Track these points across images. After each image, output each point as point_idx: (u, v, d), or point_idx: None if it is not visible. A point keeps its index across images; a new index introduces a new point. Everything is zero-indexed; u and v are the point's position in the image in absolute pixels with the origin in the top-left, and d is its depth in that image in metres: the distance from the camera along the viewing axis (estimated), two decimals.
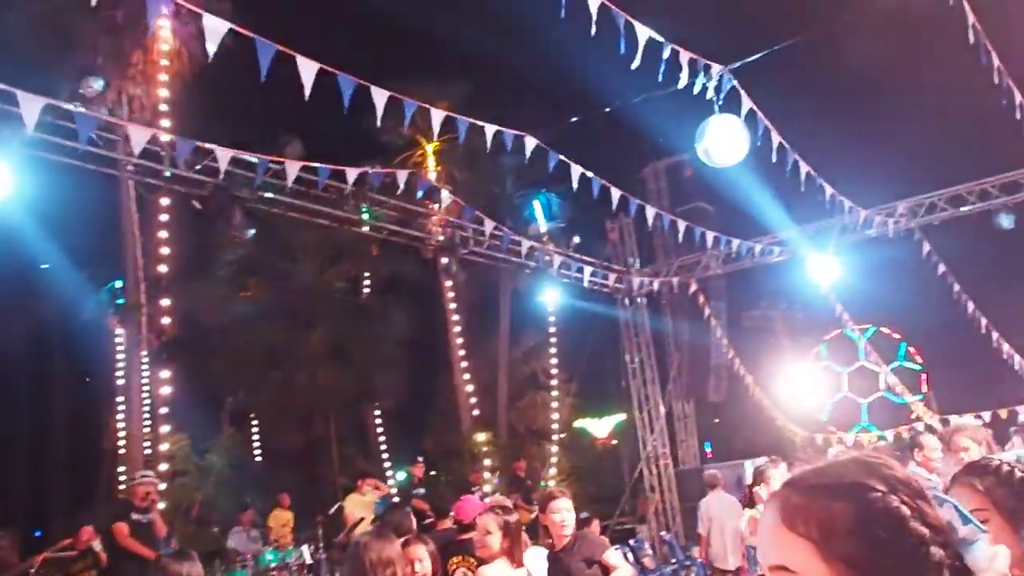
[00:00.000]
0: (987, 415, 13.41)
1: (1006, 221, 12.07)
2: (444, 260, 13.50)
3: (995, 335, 14.05)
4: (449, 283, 18.80)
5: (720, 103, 9.03)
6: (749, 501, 6.29)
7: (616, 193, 11.40)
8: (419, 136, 18.92)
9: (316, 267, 20.59)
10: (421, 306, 21.29)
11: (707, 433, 16.68)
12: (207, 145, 9.69)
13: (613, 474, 19.98)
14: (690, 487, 14.99)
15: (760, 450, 16.71)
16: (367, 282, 22.36)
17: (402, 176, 10.87)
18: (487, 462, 18.51)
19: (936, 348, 16.98)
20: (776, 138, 9.80)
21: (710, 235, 12.48)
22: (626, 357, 15.39)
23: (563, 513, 5.27)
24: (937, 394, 17.40)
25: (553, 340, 18.85)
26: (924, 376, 20.73)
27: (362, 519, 12.00)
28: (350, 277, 21.69)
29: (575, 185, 10.57)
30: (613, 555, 5.36)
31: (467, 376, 19.28)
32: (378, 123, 7.71)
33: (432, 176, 17.31)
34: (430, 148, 19.37)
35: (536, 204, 19.44)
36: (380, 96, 7.57)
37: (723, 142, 9.14)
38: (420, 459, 13.40)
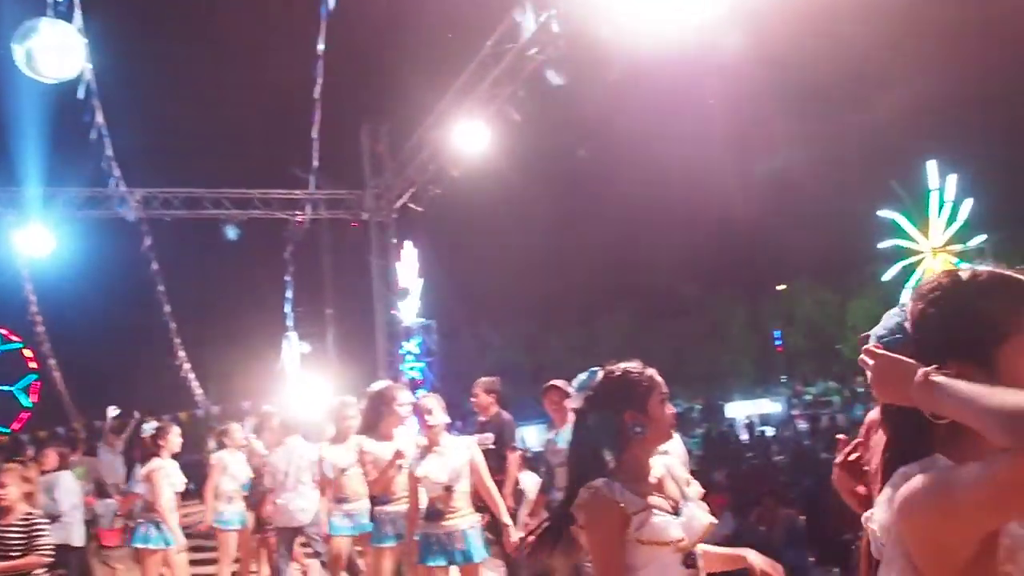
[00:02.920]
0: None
1: (232, 232, 12.78)
2: None
3: (177, 340, 14.51)
4: None
5: (59, 6, 7.55)
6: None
7: None
8: None
9: None
10: None
11: None
12: None
13: None
14: None
15: None
16: None
17: None
18: None
19: (123, 345, 16.34)
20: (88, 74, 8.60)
21: None
22: None
23: None
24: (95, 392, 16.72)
25: None
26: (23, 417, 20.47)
27: None
28: None
29: None
30: None
31: None
32: None
33: None
34: None
35: None
36: None
37: (54, 50, 7.65)
38: None
